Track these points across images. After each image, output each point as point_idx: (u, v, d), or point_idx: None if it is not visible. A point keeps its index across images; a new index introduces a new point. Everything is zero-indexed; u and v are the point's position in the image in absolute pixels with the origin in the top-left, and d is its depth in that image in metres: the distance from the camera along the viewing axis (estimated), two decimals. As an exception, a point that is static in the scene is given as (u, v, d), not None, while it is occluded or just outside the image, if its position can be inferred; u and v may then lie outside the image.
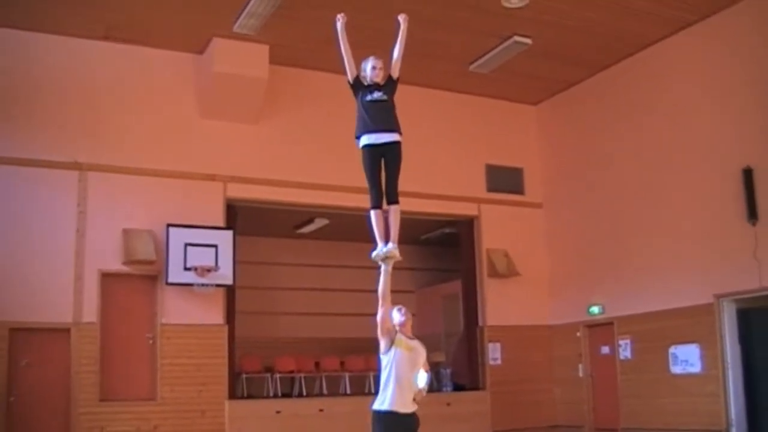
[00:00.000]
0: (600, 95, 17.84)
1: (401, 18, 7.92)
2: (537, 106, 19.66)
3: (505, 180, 19.09)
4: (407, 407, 7.32)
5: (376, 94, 7.65)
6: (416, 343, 7.61)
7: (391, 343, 7.41)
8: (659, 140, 16.20)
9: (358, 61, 7.84)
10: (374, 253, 7.65)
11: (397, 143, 7.62)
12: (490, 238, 18.54)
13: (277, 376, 17.72)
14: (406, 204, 16.10)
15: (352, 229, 20.25)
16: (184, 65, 16.01)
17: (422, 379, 7.47)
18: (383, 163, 7.65)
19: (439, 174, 17.80)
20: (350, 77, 7.83)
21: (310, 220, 19.46)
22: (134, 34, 15.16)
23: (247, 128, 16.28)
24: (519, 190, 19.26)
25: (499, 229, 18.64)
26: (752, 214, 14.04)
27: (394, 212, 7.68)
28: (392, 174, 7.67)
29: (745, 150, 14.33)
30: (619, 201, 17.07)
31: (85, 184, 14.74)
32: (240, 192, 16.08)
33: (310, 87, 17.03)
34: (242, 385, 17.19)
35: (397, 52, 7.85)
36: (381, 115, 7.62)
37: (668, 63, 16.10)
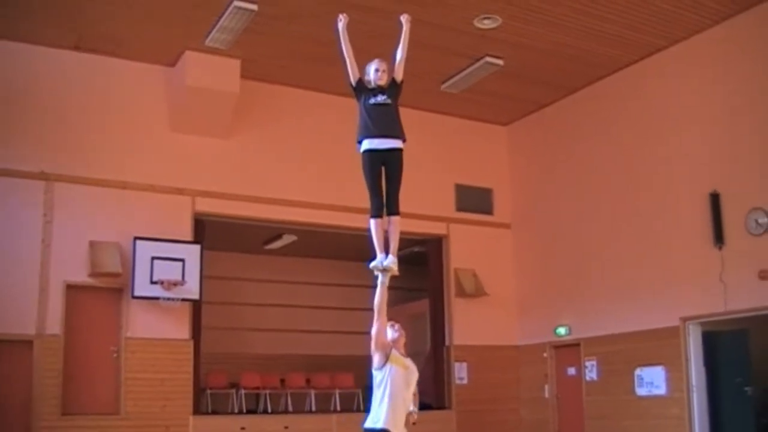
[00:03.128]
0: (570, 118, 17.95)
1: (404, 18, 7.80)
2: (507, 127, 19.73)
3: (474, 200, 19.12)
4: (399, 428, 7.14)
5: (380, 98, 7.51)
6: (410, 362, 7.48)
7: (386, 358, 7.22)
8: (628, 163, 16.32)
9: (360, 64, 7.70)
10: (373, 264, 7.42)
11: (399, 150, 7.50)
12: (459, 258, 18.56)
13: (242, 392, 17.62)
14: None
15: (319, 246, 20.31)
16: (155, 78, 15.91)
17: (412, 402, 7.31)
18: (384, 172, 7.49)
19: (409, 193, 17.40)
20: (352, 80, 7.69)
21: (278, 236, 19.42)
22: (106, 45, 15.07)
23: (217, 143, 16.20)
24: (488, 210, 19.29)
25: (467, 249, 18.65)
26: (719, 238, 14.15)
27: (395, 224, 7.52)
28: (393, 184, 7.54)
29: (712, 174, 14.46)
30: (587, 223, 17.16)
31: (52, 195, 14.57)
32: (208, 206, 15.98)
33: (280, 103, 17.01)
34: (207, 400, 17.06)
35: (400, 54, 7.70)
36: (384, 120, 7.49)
37: (638, 87, 16.24)
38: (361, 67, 7.66)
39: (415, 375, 7.40)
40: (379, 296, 7.29)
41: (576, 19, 14.37)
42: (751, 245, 13.70)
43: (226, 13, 13.80)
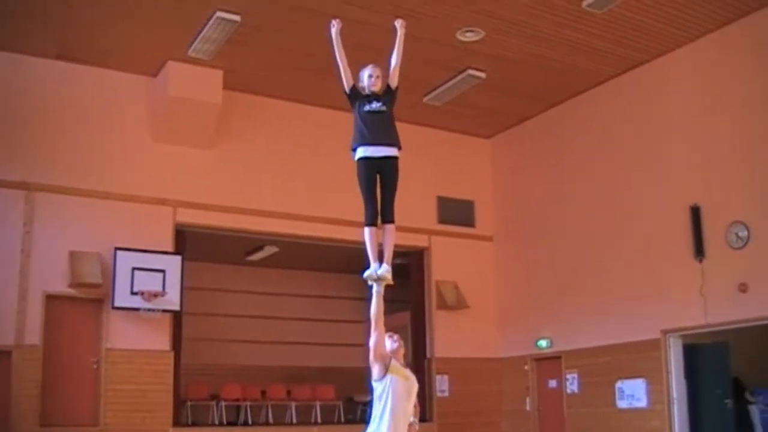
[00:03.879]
0: (552, 130, 18.02)
1: (398, 24, 7.61)
2: (490, 140, 19.78)
3: (456, 212, 19.12)
4: None
5: (375, 105, 7.35)
6: (409, 373, 7.31)
7: (386, 369, 7.00)
8: (609, 176, 16.39)
9: (358, 64, 7.56)
10: (366, 273, 7.23)
11: (395, 158, 7.32)
12: (440, 270, 18.55)
13: (223, 403, 17.54)
14: (357, 234, 16.06)
15: (301, 258, 20.29)
16: (138, 88, 15.86)
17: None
18: (379, 179, 7.28)
19: (391, 204, 17.74)
20: (346, 86, 7.51)
21: (260, 248, 19.38)
22: (88, 54, 15.03)
23: (199, 153, 16.16)
24: (470, 222, 19.30)
25: (449, 261, 18.65)
26: (699, 251, 14.23)
27: (389, 232, 7.31)
28: (389, 191, 7.31)
29: (693, 188, 14.56)
30: (569, 236, 17.21)
31: (33, 204, 14.49)
32: (190, 217, 15.92)
33: (263, 113, 17.00)
34: (187, 412, 16.97)
35: (395, 60, 7.53)
36: (379, 127, 7.32)
37: (619, 101, 16.33)
38: (355, 74, 7.53)
39: (415, 386, 7.23)
40: (376, 306, 7.12)
41: (558, 32, 14.46)
42: (731, 258, 13.79)
43: (209, 24, 13.80)
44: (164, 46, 14.87)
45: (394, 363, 7.08)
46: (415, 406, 7.45)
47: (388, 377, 6.96)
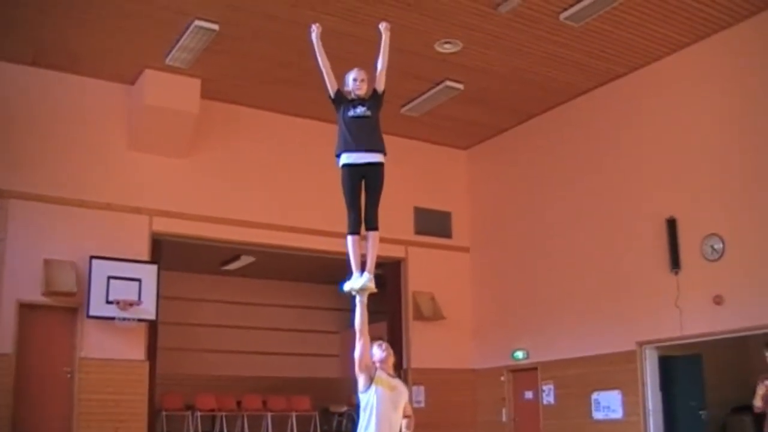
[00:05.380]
0: (529, 142, 18.07)
1: (382, 27, 7.46)
2: (467, 151, 19.83)
3: (433, 223, 19.13)
4: None
5: (359, 110, 7.18)
6: (398, 382, 7.10)
7: (371, 380, 6.84)
8: (585, 188, 16.45)
9: (338, 74, 7.44)
10: (347, 284, 7.12)
11: (379, 164, 7.15)
12: (417, 281, 18.54)
13: (198, 414, 17.48)
14: (333, 245, 16.05)
15: (277, 268, 20.27)
16: (114, 95, 15.76)
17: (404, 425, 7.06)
18: (363, 186, 7.13)
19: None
20: (330, 91, 7.34)
21: (236, 257, 19.35)
22: (64, 60, 14.92)
23: (175, 162, 16.09)
24: (447, 233, 19.32)
25: (425, 272, 18.64)
26: (675, 263, 14.30)
27: (373, 239, 7.16)
28: (373, 198, 7.16)
29: (669, 200, 14.62)
30: (545, 247, 17.25)
31: (6, 212, 14.34)
32: (166, 226, 15.82)
33: (240, 123, 16.94)
34: (162, 422, 16.91)
35: (380, 64, 7.39)
36: (363, 133, 7.14)
37: (595, 113, 16.42)
38: (340, 78, 7.40)
39: (403, 395, 7.05)
40: (360, 316, 6.93)
41: (536, 45, 14.52)
42: (706, 271, 13.86)
43: (187, 32, 13.77)
44: (142, 54, 14.80)
45: (379, 374, 6.92)
46: (409, 417, 7.32)
47: (373, 388, 6.82)
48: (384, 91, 7.42)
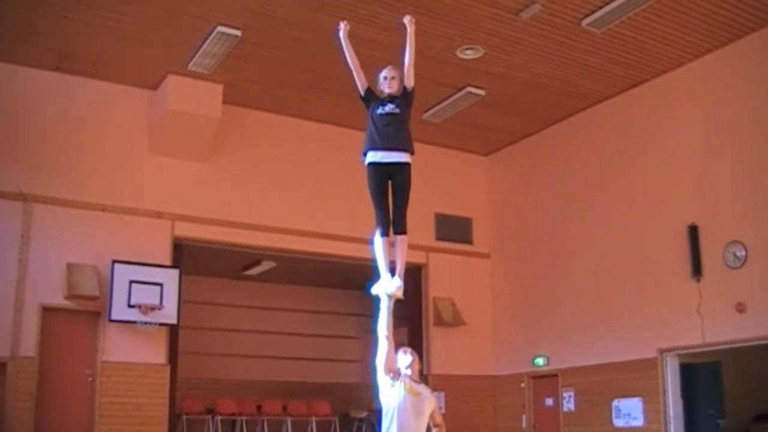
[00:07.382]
0: (550, 149, 18.03)
1: (406, 20, 7.24)
2: (488, 157, 19.80)
3: (454, 229, 19.11)
4: None
5: (388, 107, 7.06)
6: (423, 388, 7.00)
7: (395, 386, 6.75)
8: (607, 195, 16.40)
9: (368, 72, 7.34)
10: (377, 286, 6.96)
11: (406, 164, 7.04)
12: (437, 287, 18.51)
13: (218, 418, 17.53)
14: (354, 250, 16.09)
15: (298, 273, 20.28)
16: (137, 100, 15.86)
17: None
18: (390, 187, 6.99)
19: (389, 221, 17.74)
20: (360, 89, 7.24)
21: (257, 262, 19.36)
22: (88, 66, 15.03)
23: (197, 167, 16.15)
24: (467, 239, 19.30)
25: (446, 278, 18.62)
26: (696, 270, 14.23)
27: (401, 243, 7.01)
28: (400, 200, 7.01)
29: (691, 207, 14.56)
30: (566, 254, 17.19)
31: (30, 216, 14.46)
32: (187, 231, 15.89)
33: (261, 128, 17.00)
34: (182, 426, 16.95)
35: (407, 58, 7.20)
36: (391, 131, 7.02)
37: (618, 120, 16.35)
38: (373, 77, 7.30)
39: (428, 402, 6.89)
40: (385, 321, 6.81)
41: (557, 51, 14.49)
42: (728, 278, 13.79)
43: (210, 38, 13.84)
44: (165, 60, 14.89)
45: (404, 379, 6.82)
46: (440, 426, 7.17)
47: (397, 393, 6.72)
48: (414, 88, 7.28)
